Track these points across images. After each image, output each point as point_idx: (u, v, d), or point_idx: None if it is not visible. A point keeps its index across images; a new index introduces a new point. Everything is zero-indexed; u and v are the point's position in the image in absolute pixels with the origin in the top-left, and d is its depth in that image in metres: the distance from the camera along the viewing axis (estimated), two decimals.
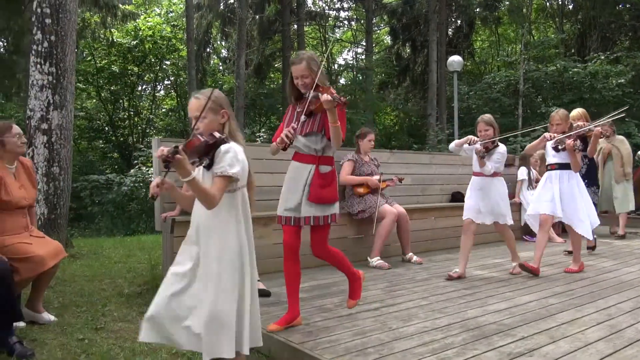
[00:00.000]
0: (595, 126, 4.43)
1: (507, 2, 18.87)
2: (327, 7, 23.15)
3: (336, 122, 2.64)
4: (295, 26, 19.60)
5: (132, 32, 18.62)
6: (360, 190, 4.87)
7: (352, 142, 5.37)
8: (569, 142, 4.08)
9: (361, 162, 4.99)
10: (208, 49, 22.03)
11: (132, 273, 4.78)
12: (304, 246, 4.59)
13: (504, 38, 22.66)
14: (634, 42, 17.78)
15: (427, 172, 6.28)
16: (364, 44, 22.24)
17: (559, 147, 4.18)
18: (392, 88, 22.92)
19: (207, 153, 1.95)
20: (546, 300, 3.37)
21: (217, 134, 1.98)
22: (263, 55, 20.55)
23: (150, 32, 18.70)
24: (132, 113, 20.12)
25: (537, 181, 6.96)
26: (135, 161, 13.23)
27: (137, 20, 18.47)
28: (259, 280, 3.57)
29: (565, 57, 16.90)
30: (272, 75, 22.13)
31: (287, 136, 2.71)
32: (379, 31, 25.01)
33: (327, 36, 23.41)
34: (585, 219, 4.21)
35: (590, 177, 5.41)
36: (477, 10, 20.17)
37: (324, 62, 2.75)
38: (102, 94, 19.35)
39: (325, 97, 2.55)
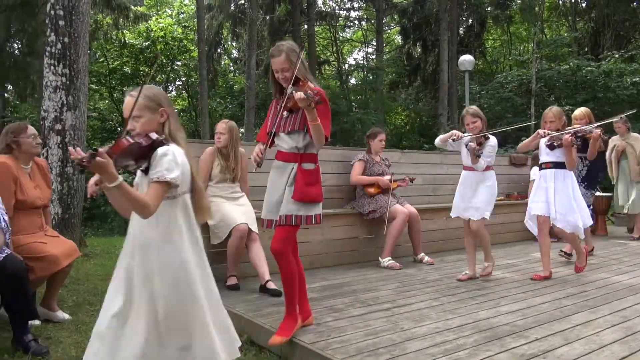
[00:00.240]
0: (594, 128, 4.33)
1: (519, 1, 18.71)
2: (337, 7, 23.13)
3: (315, 120, 2.47)
4: (306, 26, 19.61)
5: (144, 34, 18.77)
6: (371, 190, 4.86)
7: (363, 142, 5.36)
8: (567, 137, 3.92)
9: (372, 162, 4.98)
10: (219, 50, 22.12)
11: None
12: (315, 246, 4.62)
13: (515, 37, 22.48)
14: None
15: (438, 172, 6.25)
16: (375, 43, 22.19)
17: (555, 144, 4.03)
18: (403, 88, 22.83)
19: (144, 156, 1.78)
20: (560, 301, 3.34)
21: (154, 135, 1.80)
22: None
23: (161, 33, 18.83)
24: None
25: None
26: None
27: (149, 22, 18.60)
28: (269, 280, 3.59)
29: (578, 55, 16.72)
30: None
31: (255, 160, 2.63)
32: (389, 31, 24.93)
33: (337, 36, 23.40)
34: (576, 219, 4.03)
35: (590, 180, 5.27)
36: (489, 9, 20.02)
37: (303, 54, 2.60)
38: (115, 95, 19.52)
39: (298, 95, 2.38)
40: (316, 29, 21.30)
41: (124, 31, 18.54)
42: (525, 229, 4.52)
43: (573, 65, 14.70)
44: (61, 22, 5.55)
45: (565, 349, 2.42)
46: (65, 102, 5.50)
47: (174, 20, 20.53)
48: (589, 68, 14.41)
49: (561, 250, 5.02)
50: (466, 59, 13.34)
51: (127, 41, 18.65)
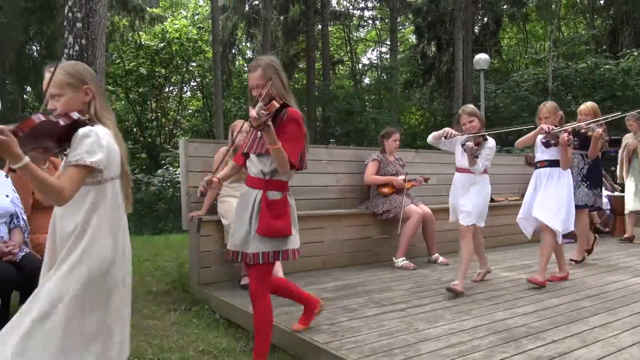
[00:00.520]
0: (588, 124, 4.16)
1: None
2: (351, 7, 23.12)
3: (274, 143, 2.18)
4: (320, 26, 19.63)
5: (160, 35, 18.97)
6: (385, 190, 4.84)
7: (377, 142, 5.34)
8: (563, 135, 3.67)
9: (386, 162, 4.96)
10: (233, 50, 22.25)
11: (160, 271, 4.86)
12: (329, 246, 4.62)
13: (532, 35, 22.24)
14: None
15: (453, 172, 6.17)
16: (389, 43, 22.13)
17: (551, 142, 3.80)
18: (417, 87, 22.73)
19: (65, 137, 1.63)
20: (577, 303, 3.29)
21: (75, 115, 1.65)
22: (287, 55, 20.63)
23: (177, 35, 19.02)
24: (159, 114, 20.49)
25: None
26: (163, 161, 13.47)
27: (164, 23, 18.80)
28: None
29: (596, 53, 16.48)
30: (297, 76, 22.21)
31: (200, 191, 2.40)
32: (403, 30, 24.84)
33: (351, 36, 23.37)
34: (554, 210, 3.76)
35: (592, 179, 4.83)
36: (504, 7, 19.83)
37: (281, 72, 2.38)
38: (131, 96, 19.76)
39: (251, 113, 2.12)
40: (330, 28, 21.31)
41: (140, 33, 18.75)
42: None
43: (591, 64, 14.50)
44: (79, 25, 5.62)
45: (582, 352, 2.38)
46: None
47: (189, 21, 20.71)
48: (607, 66, 14.19)
49: (570, 259, 4.72)
50: (481, 57, 13.24)
51: (142, 43, 18.86)
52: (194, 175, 4.09)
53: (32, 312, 1.58)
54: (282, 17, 20.06)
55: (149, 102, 20.28)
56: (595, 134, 4.19)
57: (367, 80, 23.71)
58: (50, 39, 12.19)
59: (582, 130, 4.22)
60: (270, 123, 2.14)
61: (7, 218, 2.87)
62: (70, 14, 5.65)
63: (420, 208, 4.80)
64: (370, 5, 23.22)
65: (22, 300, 2.85)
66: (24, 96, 15.58)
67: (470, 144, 3.56)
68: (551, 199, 3.79)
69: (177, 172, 12.03)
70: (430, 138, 3.86)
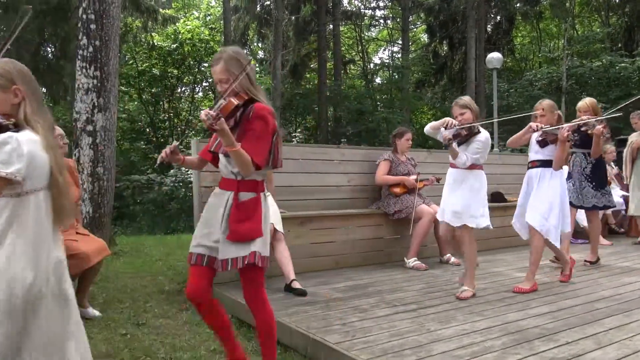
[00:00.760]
0: (586, 120, 4.00)
1: None
2: (362, 6, 23.07)
3: (232, 146, 2.00)
4: (331, 26, 19.61)
5: (172, 36, 19.08)
6: (397, 190, 4.82)
7: (388, 142, 5.33)
8: (564, 130, 3.50)
9: (397, 161, 4.94)
10: (245, 51, 22.33)
11: (172, 271, 4.90)
12: (340, 246, 4.61)
13: (545, 33, 22.01)
14: None
15: None
16: (400, 42, 22.04)
17: (548, 140, 3.63)
18: (429, 86, 22.63)
19: None
20: (591, 304, 3.25)
21: None
22: (299, 55, 20.65)
23: (189, 35, 19.11)
24: (171, 114, 20.62)
25: None
26: None
27: (177, 24, 18.91)
28: (294, 280, 3.61)
29: (611, 51, 16.27)
30: (308, 76, 22.22)
31: (162, 158, 2.18)
32: (415, 29, 24.73)
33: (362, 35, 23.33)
34: (551, 218, 3.63)
35: (597, 179, 4.56)
36: (518, 5, 19.65)
37: (248, 65, 2.16)
38: (144, 96, 19.91)
39: (201, 114, 1.99)
40: (341, 28, 21.29)
41: (153, 34, 18.90)
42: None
43: (606, 62, 14.33)
44: (92, 26, 5.68)
45: (597, 354, 2.36)
46: (96, 104, 5.64)
47: (201, 22, 20.82)
48: (622, 64, 14.00)
49: (585, 261, 4.62)
50: (494, 56, 13.13)
51: (155, 43, 18.99)
52: (206, 175, 4.11)
53: None
54: (293, 17, 20.08)
55: (161, 103, 20.41)
56: (595, 131, 4.03)
57: (378, 80, 23.66)
58: (65, 40, 12.32)
59: (582, 129, 4.08)
60: (221, 126, 1.95)
61: None
62: (84, 16, 5.72)
63: (432, 208, 4.78)
64: (381, 4, 23.18)
65: None
66: None
67: (446, 132, 3.34)
68: (542, 201, 3.66)
69: (189, 172, 12.10)
70: (427, 128, 3.57)
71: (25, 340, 1.57)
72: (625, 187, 6.94)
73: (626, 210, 6.67)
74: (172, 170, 13.13)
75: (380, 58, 25.77)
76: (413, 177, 4.83)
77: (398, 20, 22.39)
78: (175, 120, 20.87)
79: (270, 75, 16.86)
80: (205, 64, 20.68)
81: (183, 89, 22.13)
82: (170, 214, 12.52)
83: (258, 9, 20.25)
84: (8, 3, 12.87)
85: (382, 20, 24.22)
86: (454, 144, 3.37)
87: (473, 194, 3.44)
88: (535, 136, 3.74)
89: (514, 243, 5.81)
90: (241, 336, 3.04)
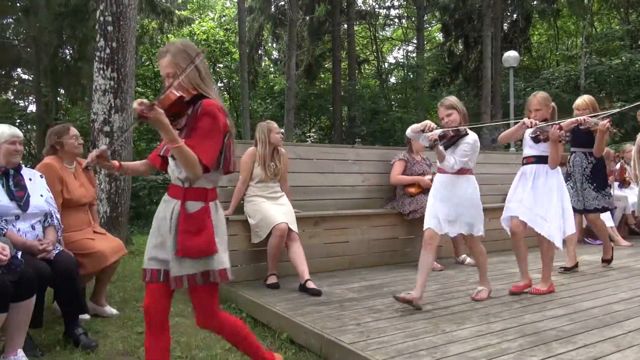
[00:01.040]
0: (584, 117, 3.79)
1: None
2: (377, 6, 22.99)
3: (173, 142, 1.83)
4: (345, 26, 19.59)
5: (188, 37, 19.23)
6: (412, 190, 4.80)
7: (403, 142, 5.30)
8: (554, 130, 3.31)
9: (412, 161, 4.91)
10: (260, 51, 22.40)
11: None
12: (355, 246, 4.60)
13: (563, 31, 21.69)
14: None
15: (480, 172, 6.06)
16: (415, 41, 21.92)
17: (540, 137, 3.45)
18: (444, 86, 22.44)
19: None
20: (610, 306, 3.19)
21: None
22: (313, 55, 20.66)
23: (204, 37, 19.26)
24: None
25: None
26: None
27: (192, 25, 19.06)
28: (309, 280, 3.61)
29: (631, 49, 15.96)
30: (322, 76, 22.22)
31: (88, 163, 2.05)
32: (430, 28, 24.57)
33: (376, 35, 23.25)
34: (558, 223, 3.46)
35: (598, 180, 4.36)
36: (535, 3, 19.40)
37: (199, 58, 1.99)
38: None
39: (134, 102, 1.82)
40: (356, 28, 21.24)
41: (169, 35, 19.07)
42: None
43: (625, 60, 14.07)
44: (110, 28, 5.76)
45: (616, 356, 2.32)
46: (113, 105, 5.71)
47: (216, 23, 20.96)
48: None
49: (561, 267, 4.33)
50: (511, 55, 13.00)
51: None
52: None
53: None
54: (307, 17, 20.09)
55: None
56: (600, 127, 3.80)
57: (393, 80, 23.55)
58: (83, 42, 12.49)
59: (582, 126, 3.89)
60: (156, 116, 1.78)
61: (42, 217, 2.96)
62: (101, 18, 5.80)
63: None
64: (396, 3, 23.06)
65: (56, 297, 2.94)
66: (58, 99, 16.03)
67: (431, 134, 3.13)
68: (541, 204, 3.47)
69: None
70: (408, 131, 3.37)
71: None
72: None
73: None
74: None
75: (394, 57, 25.66)
76: (428, 177, 4.79)
77: (413, 19, 22.27)
78: None
79: (285, 75, 16.89)
80: (221, 65, 20.84)
81: None
82: None
83: (272, 9, 20.31)
84: (28, 7, 13.12)
85: (396, 20, 24.12)
86: (440, 146, 3.18)
87: (468, 201, 3.28)
88: (529, 132, 3.55)
89: (531, 243, 5.73)
90: (255, 335, 3.04)
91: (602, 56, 15.62)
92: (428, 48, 23.09)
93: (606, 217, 5.68)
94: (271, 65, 24.18)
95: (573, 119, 3.91)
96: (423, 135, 3.27)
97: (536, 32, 22.68)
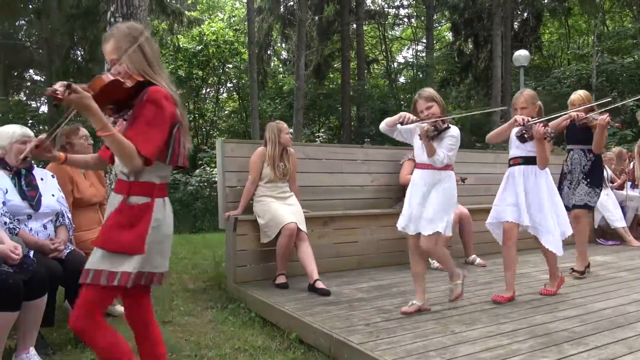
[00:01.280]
0: (576, 110, 3.64)
1: None
2: (386, 5, 22.95)
3: (105, 130, 1.66)
4: (354, 25, 19.57)
5: (197, 38, 19.33)
6: None
7: None
8: (538, 127, 3.14)
9: None
10: (269, 51, 22.45)
11: (197, 269, 4.96)
12: (364, 246, 4.59)
13: (574, 30, 21.49)
14: None
15: (491, 172, 6.07)
16: (424, 41, 21.85)
17: (526, 135, 3.29)
18: (454, 85, 22.32)
19: None
20: (623, 307, 3.16)
21: None
22: (322, 55, 20.66)
23: (214, 37, 19.34)
24: (197, 115, 20.89)
25: (612, 181, 6.54)
26: (200, 162, 13.73)
27: (202, 26, 19.15)
28: (318, 280, 3.61)
29: None
30: (332, 76, 22.23)
31: (24, 154, 1.94)
32: (439, 28, 24.47)
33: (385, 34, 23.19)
34: (554, 228, 3.36)
35: (594, 177, 4.19)
36: (545, 1, 19.24)
37: (143, 40, 1.84)
38: None
39: (57, 84, 1.65)
40: (365, 27, 21.22)
41: (178, 36, 19.17)
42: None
43: (638, 58, 13.91)
44: None
45: (628, 358, 2.29)
46: None
47: (226, 23, 21.04)
48: None
49: (571, 269, 4.22)
50: (521, 54, 12.90)
51: (181, 45, 19.27)
52: (231, 175, 4.16)
53: None
54: (316, 17, 20.09)
55: (186, 104, 20.69)
56: (600, 121, 3.66)
57: (402, 79, 23.49)
58: (94, 43, 12.61)
59: (580, 123, 3.79)
60: (80, 101, 1.63)
61: (53, 216, 2.99)
62: (112, 19, 5.84)
63: (457, 208, 4.72)
64: (405, 3, 23.00)
65: (67, 296, 2.97)
66: None
67: (425, 125, 2.96)
68: (535, 207, 3.34)
69: (214, 172, 12.25)
70: (382, 125, 3.16)
71: None
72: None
73: None
74: (197, 171, 13.31)
75: (404, 57, 25.60)
76: None
77: (422, 18, 22.20)
78: (201, 121, 21.14)
79: (294, 75, 16.90)
80: (230, 65, 20.93)
81: (208, 90, 22.42)
82: (195, 213, 12.68)
83: (282, 9, 20.34)
84: (40, 9, 13.28)
85: (406, 19, 24.06)
86: (430, 140, 2.94)
87: (447, 196, 3.04)
88: (514, 131, 3.39)
89: (532, 244, 5.71)
90: (264, 335, 3.06)
91: (614, 55, 15.45)
92: (437, 47, 23.00)
93: (618, 218, 5.62)
94: (280, 66, 24.22)
95: (565, 115, 3.81)
96: (397, 127, 3.07)
97: (547, 31, 22.49)
